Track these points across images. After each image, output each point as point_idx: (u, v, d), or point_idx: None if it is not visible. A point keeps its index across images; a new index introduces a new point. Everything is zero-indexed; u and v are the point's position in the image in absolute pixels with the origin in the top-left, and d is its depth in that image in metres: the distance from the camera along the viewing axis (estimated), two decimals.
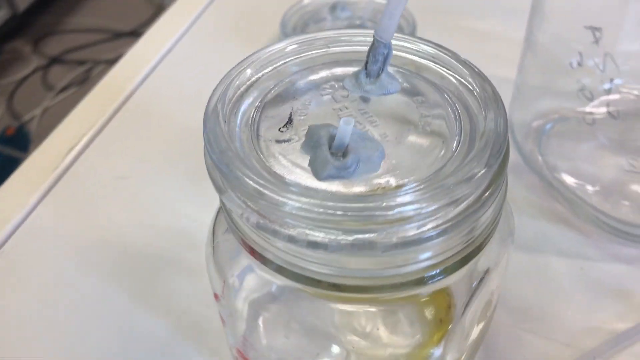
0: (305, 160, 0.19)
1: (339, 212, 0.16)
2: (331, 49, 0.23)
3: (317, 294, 0.20)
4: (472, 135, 0.19)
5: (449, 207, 0.17)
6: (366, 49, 0.21)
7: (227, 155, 0.18)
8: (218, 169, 0.18)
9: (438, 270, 0.19)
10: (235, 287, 0.23)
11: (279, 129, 0.20)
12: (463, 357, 0.24)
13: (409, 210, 0.16)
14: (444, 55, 0.21)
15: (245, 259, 0.22)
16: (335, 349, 0.24)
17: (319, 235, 0.17)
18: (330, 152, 0.19)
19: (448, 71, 0.21)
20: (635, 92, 0.32)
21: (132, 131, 0.42)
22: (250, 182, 0.17)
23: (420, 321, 0.23)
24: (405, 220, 0.17)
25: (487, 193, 0.18)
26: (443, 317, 0.22)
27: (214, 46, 0.49)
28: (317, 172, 0.18)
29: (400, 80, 0.21)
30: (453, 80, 0.21)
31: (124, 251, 0.34)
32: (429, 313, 0.23)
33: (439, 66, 0.21)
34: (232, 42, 0.49)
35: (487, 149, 0.18)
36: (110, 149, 0.40)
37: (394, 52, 0.21)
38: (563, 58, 0.30)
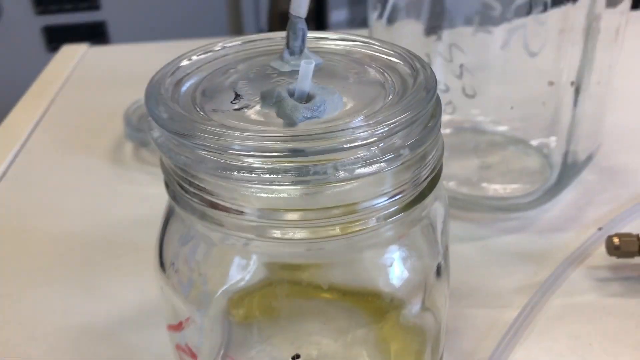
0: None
1: None
2: (244, 49, 0.24)
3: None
4: (405, 88, 0.21)
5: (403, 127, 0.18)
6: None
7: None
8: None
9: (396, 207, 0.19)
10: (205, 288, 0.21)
11: (231, 102, 0.20)
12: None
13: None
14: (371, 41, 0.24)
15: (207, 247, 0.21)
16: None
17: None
18: (295, 99, 0.19)
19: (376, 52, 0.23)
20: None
21: None
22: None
23: None
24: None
25: (432, 122, 0.20)
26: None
27: (57, 154, 0.46)
28: (291, 117, 0.19)
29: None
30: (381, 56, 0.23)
31: None
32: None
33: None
34: (78, 145, 0.47)
35: (422, 86, 0.20)
36: None
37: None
38: None
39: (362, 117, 0.18)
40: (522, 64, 0.34)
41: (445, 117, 0.39)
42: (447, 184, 0.39)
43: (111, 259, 0.36)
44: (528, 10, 0.32)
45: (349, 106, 0.20)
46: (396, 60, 0.23)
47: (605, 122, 0.40)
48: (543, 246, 0.35)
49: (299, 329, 0.26)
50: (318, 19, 1.58)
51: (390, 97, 0.20)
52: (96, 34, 0.97)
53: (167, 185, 0.22)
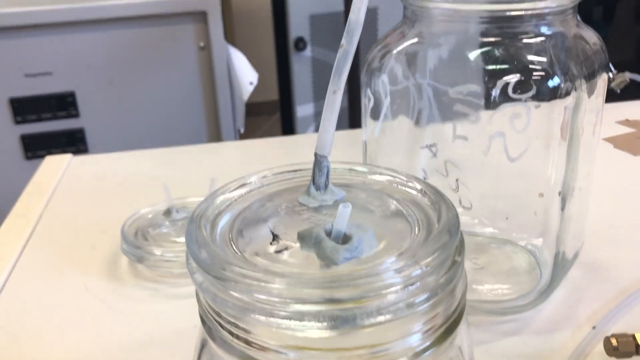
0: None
1: None
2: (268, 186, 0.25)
3: None
4: (429, 224, 0.23)
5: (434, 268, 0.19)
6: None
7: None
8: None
9: (428, 343, 0.21)
10: None
11: (270, 243, 0.21)
12: None
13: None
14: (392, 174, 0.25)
15: None
16: None
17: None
18: (333, 240, 0.20)
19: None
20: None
21: None
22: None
23: None
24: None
25: (459, 258, 0.21)
26: None
27: (50, 271, 0.46)
28: (332, 259, 0.20)
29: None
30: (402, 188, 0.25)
31: None
32: None
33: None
34: (72, 262, 0.46)
35: (446, 226, 0.21)
36: None
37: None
38: None
39: (395, 257, 0.20)
40: (509, 177, 0.37)
41: None
42: None
43: None
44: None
45: (382, 244, 0.21)
46: (414, 192, 0.24)
47: (588, 219, 0.42)
48: (543, 347, 0.37)
49: None
50: (284, 114, 1.64)
51: (417, 231, 0.22)
52: (74, 141, 0.98)
53: (203, 322, 0.22)
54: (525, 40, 0.34)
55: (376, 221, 0.23)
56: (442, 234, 0.21)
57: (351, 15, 0.24)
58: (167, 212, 0.49)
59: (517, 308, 0.39)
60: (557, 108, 0.33)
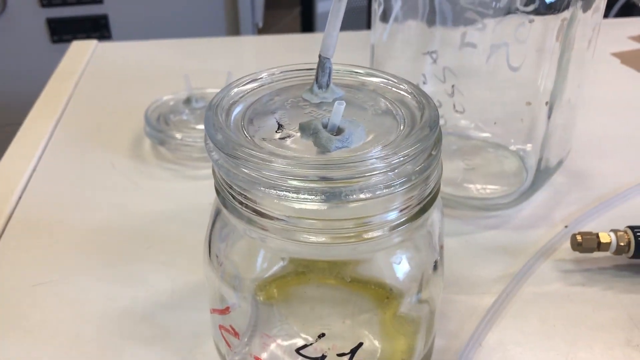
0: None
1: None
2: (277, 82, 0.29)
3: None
4: (413, 122, 0.26)
5: (412, 157, 0.23)
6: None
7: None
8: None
9: (403, 219, 0.25)
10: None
11: (275, 131, 0.25)
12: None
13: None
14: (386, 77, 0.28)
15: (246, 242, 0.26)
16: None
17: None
18: (328, 132, 0.24)
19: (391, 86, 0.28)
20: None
21: (30, 243, 0.41)
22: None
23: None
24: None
25: (435, 151, 0.25)
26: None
27: (80, 150, 0.50)
28: (326, 147, 0.24)
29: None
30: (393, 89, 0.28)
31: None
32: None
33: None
34: (99, 142, 0.51)
35: (427, 123, 0.25)
36: (14, 262, 0.39)
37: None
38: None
39: (380, 148, 0.23)
40: (504, 85, 0.40)
41: None
42: None
43: (142, 249, 0.40)
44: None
45: (370, 137, 0.25)
46: (406, 94, 0.28)
47: (575, 130, 0.45)
48: (517, 241, 0.41)
49: (312, 312, 0.31)
50: (304, 9, 1.62)
51: (402, 127, 0.26)
52: (98, 27, 1.00)
53: (217, 193, 0.27)
54: None
55: (368, 118, 0.26)
56: (422, 130, 0.24)
57: None
58: (187, 101, 0.53)
59: (500, 206, 0.43)
60: (552, 22, 0.36)
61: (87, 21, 0.99)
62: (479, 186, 0.45)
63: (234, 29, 1.05)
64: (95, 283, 0.38)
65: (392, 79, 0.28)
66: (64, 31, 1.00)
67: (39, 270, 0.39)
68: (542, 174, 0.43)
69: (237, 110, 0.27)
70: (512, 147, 0.48)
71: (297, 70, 0.29)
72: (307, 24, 1.64)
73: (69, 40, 1.00)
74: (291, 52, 0.70)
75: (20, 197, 0.45)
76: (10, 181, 0.47)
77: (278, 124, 0.26)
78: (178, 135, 0.48)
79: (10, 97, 1.02)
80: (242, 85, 0.28)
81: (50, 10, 0.98)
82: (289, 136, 0.25)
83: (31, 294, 0.37)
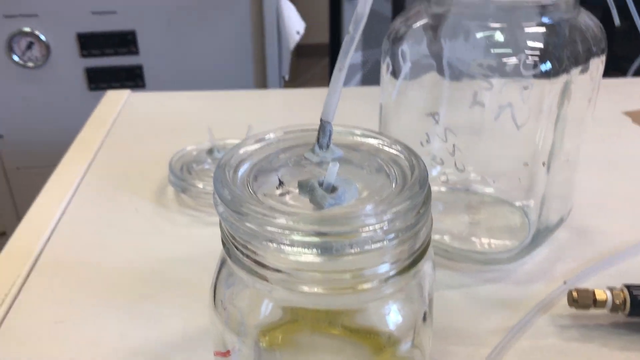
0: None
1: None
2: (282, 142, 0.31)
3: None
4: (404, 180, 0.28)
5: (401, 214, 0.25)
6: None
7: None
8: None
9: (394, 272, 0.27)
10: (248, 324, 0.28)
11: (276, 187, 0.28)
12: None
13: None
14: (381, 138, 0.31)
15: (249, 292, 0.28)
16: None
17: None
18: (323, 190, 0.27)
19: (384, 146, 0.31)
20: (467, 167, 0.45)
21: (56, 282, 0.44)
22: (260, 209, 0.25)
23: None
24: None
25: (423, 208, 0.27)
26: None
27: (107, 195, 0.54)
28: (320, 203, 0.26)
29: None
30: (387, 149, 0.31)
31: None
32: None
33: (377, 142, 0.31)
34: (125, 187, 0.54)
35: (417, 182, 0.27)
36: (39, 300, 0.42)
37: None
38: (414, 139, 0.42)
39: (371, 206, 0.26)
40: (506, 143, 0.42)
41: (441, 184, 0.46)
42: (441, 238, 0.46)
43: (159, 291, 0.43)
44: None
45: (363, 194, 0.27)
46: (399, 154, 0.30)
47: (576, 188, 0.47)
48: (517, 295, 0.43)
49: (313, 358, 0.33)
50: (332, 61, 1.68)
51: (394, 185, 0.28)
52: (133, 76, 1.06)
53: (223, 244, 0.29)
54: (526, 29, 0.38)
55: (363, 176, 0.29)
56: (411, 188, 0.27)
57: (358, 8, 0.29)
58: (210, 151, 0.56)
59: (502, 260, 0.45)
60: (549, 86, 0.38)
61: (123, 71, 1.06)
62: (483, 240, 0.47)
63: (262, 80, 1.10)
64: (112, 322, 0.40)
65: (386, 139, 0.31)
66: (100, 79, 1.06)
67: (62, 309, 0.41)
68: (542, 231, 0.44)
69: (245, 167, 0.29)
70: (517, 203, 0.49)
71: (300, 130, 0.32)
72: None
73: (105, 88, 1.07)
74: (313, 106, 0.73)
75: (49, 238, 0.49)
76: (42, 221, 0.50)
77: (279, 180, 0.28)
78: (199, 184, 0.51)
79: (49, 139, 1.08)
80: (250, 145, 0.30)
81: (89, 60, 1.05)
82: (288, 193, 0.27)
83: (52, 330, 0.40)
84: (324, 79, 1.89)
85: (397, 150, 0.30)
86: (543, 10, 0.39)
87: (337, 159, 0.30)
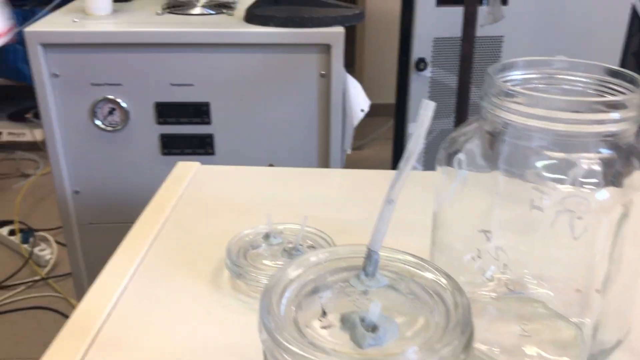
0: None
1: None
2: (330, 263, 0.32)
3: None
4: (447, 316, 0.29)
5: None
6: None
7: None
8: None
9: None
10: None
11: (318, 319, 0.29)
12: None
13: None
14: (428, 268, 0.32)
15: None
16: None
17: None
18: (364, 328, 0.27)
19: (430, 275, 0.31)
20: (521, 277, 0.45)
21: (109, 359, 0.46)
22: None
23: None
24: None
25: (464, 355, 0.27)
26: None
27: (167, 273, 0.56)
28: (360, 343, 0.27)
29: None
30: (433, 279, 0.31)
31: None
32: None
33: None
34: (184, 268, 0.57)
35: (459, 325, 0.27)
36: None
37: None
38: (463, 253, 0.43)
39: (414, 349, 0.26)
40: (557, 270, 0.41)
41: (490, 295, 0.46)
42: (489, 349, 0.45)
43: None
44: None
45: (404, 332, 0.28)
46: (444, 288, 0.30)
47: (634, 310, 0.45)
48: None
49: None
50: (397, 132, 1.71)
51: (436, 317, 0.28)
52: (204, 144, 1.12)
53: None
54: (582, 160, 0.38)
55: (406, 308, 0.29)
56: (453, 332, 0.27)
57: (409, 146, 0.31)
58: (266, 236, 0.58)
59: None
60: (603, 218, 0.38)
61: (195, 139, 1.12)
62: (534, 354, 0.46)
63: (324, 154, 1.13)
64: None
65: (433, 270, 0.31)
66: (173, 146, 1.13)
67: None
68: (597, 353, 0.43)
69: (290, 290, 0.30)
70: (573, 319, 0.48)
71: (349, 254, 0.33)
72: (399, 145, 1.74)
73: (177, 154, 1.15)
74: (374, 188, 0.74)
75: (109, 314, 0.51)
76: (103, 298, 0.53)
77: (323, 310, 0.29)
78: (253, 272, 0.53)
79: (122, 198, 1.14)
80: (295, 269, 0.31)
81: (164, 127, 1.11)
82: (329, 326, 0.28)
83: None
84: (389, 140, 1.92)
85: (444, 285, 0.31)
86: (604, 139, 0.38)
87: (381, 287, 0.31)
